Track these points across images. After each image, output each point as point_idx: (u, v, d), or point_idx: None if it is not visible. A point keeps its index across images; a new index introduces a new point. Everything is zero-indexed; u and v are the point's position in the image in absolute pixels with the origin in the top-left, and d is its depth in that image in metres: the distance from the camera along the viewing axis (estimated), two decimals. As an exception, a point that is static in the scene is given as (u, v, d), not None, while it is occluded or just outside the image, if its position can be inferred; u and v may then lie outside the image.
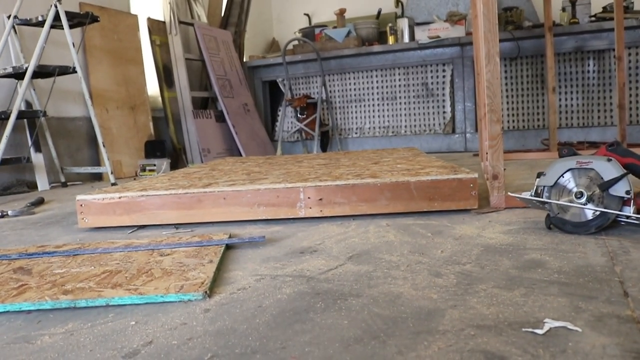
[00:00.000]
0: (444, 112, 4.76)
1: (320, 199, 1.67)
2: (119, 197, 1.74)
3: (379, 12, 5.26)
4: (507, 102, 4.55)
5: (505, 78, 4.52)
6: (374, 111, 5.03)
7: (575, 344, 0.69)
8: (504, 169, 1.68)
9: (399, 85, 4.88)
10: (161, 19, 4.73)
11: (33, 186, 3.51)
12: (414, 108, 4.86)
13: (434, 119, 4.80)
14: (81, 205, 1.76)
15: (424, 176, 1.66)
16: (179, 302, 0.96)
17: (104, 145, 3.32)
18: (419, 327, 0.78)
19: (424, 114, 4.83)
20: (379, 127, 5.01)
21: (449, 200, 1.65)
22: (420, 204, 1.65)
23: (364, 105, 5.10)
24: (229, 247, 1.36)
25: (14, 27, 3.34)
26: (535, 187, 1.37)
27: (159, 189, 1.79)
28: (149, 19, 4.58)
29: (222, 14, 5.40)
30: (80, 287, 1.03)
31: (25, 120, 3.45)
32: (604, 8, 4.23)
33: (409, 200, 1.65)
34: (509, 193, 1.51)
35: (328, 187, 1.67)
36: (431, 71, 4.76)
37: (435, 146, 4.81)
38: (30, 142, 3.48)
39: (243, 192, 1.70)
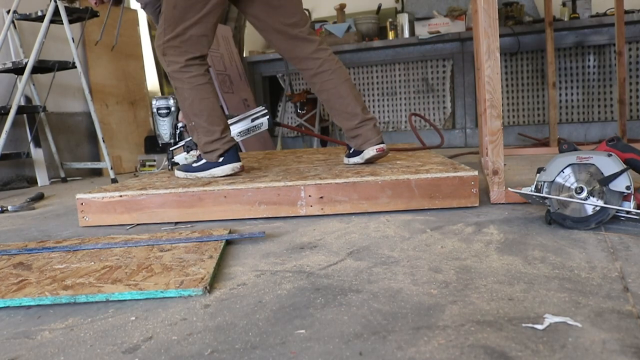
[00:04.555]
0: (444, 108, 4.75)
1: (321, 197, 1.67)
2: (120, 196, 1.74)
3: (379, 7, 5.25)
4: (508, 98, 4.54)
5: (506, 73, 4.51)
6: (374, 106, 5.03)
7: (575, 339, 0.69)
8: (504, 164, 1.68)
9: (399, 81, 4.87)
10: (161, 14, 4.71)
11: (33, 181, 3.51)
12: (414, 103, 4.85)
13: (434, 114, 4.80)
14: (82, 203, 1.76)
15: (425, 174, 1.66)
16: (179, 298, 0.96)
17: (103, 141, 3.31)
18: (419, 322, 0.78)
19: (424, 109, 4.82)
20: (379, 123, 5.00)
21: (450, 197, 1.65)
22: (421, 201, 1.65)
23: (364, 101, 5.09)
24: (229, 243, 1.36)
25: (13, 22, 3.33)
26: (535, 183, 1.37)
27: (159, 187, 1.79)
28: (149, 14, 4.57)
29: (222, 9, 5.38)
30: (80, 282, 1.03)
31: (24, 115, 3.45)
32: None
33: (409, 198, 1.65)
34: (509, 189, 1.51)
35: (329, 185, 1.67)
36: (431, 66, 4.75)
37: (435, 141, 4.80)
38: (30, 138, 3.47)
39: (244, 190, 1.69)
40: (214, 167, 1.98)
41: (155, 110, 2.47)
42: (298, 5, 2.03)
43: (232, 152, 1.99)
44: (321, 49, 2.04)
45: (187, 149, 2.34)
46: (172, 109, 2.47)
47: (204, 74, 1.95)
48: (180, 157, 2.37)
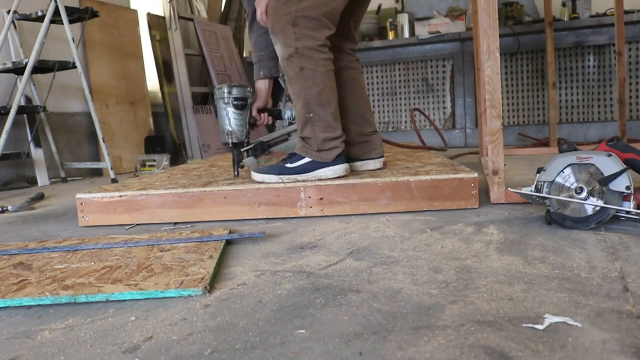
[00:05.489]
0: (444, 108, 4.76)
1: (321, 198, 1.67)
2: (120, 196, 1.74)
3: (379, 7, 5.24)
4: (508, 98, 4.54)
5: (506, 73, 4.51)
6: (374, 106, 5.03)
7: (575, 339, 0.69)
8: (504, 164, 1.68)
9: (399, 81, 4.87)
10: (161, 14, 4.72)
11: (33, 181, 3.51)
12: (414, 104, 4.85)
13: (434, 114, 4.80)
14: (81, 203, 1.76)
15: (425, 175, 1.66)
16: (179, 298, 0.96)
17: (103, 141, 3.32)
18: (419, 322, 0.78)
19: (424, 109, 4.82)
20: (379, 123, 5.00)
21: (450, 199, 1.65)
22: (420, 203, 1.65)
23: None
24: (229, 243, 1.36)
25: (13, 22, 3.33)
26: (535, 183, 1.37)
27: (158, 187, 1.79)
28: (149, 14, 4.57)
29: (222, 9, 5.38)
30: (80, 282, 1.04)
31: (25, 115, 3.45)
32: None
33: (409, 199, 1.65)
34: (509, 189, 1.51)
35: (329, 186, 1.67)
36: (431, 66, 4.75)
37: (436, 141, 4.80)
38: (30, 138, 3.47)
39: (244, 191, 1.69)
40: (322, 168, 1.73)
41: (229, 101, 1.97)
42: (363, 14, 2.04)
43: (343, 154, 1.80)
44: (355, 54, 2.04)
45: (254, 152, 2.03)
46: (249, 101, 2.01)
47: (333, 60, 1.76)
48: (250, 160, 2.04)
